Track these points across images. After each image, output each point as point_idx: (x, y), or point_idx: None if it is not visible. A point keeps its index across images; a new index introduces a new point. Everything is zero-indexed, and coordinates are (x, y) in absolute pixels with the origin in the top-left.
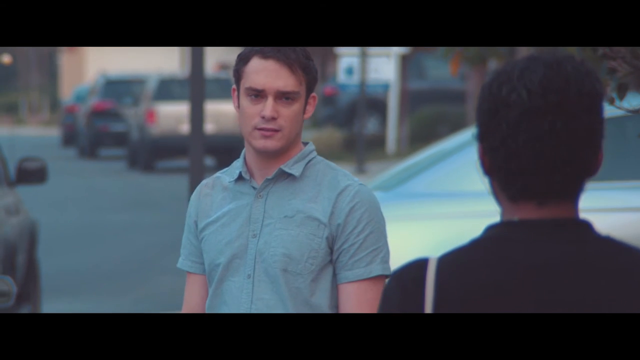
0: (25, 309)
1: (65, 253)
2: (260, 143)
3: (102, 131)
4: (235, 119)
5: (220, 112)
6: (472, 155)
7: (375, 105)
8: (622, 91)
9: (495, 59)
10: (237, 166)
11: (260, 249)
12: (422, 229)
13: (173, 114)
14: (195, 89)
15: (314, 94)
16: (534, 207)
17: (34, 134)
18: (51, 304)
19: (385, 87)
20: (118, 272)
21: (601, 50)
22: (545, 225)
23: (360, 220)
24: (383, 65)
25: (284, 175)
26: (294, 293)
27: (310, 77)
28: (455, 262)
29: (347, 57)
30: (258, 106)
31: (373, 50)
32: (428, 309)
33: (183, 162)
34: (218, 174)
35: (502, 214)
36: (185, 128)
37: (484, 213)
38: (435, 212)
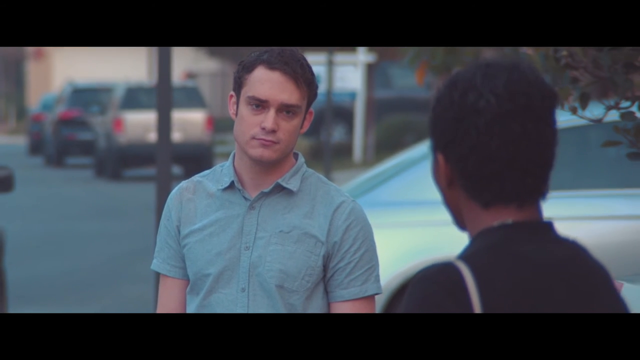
0: None
1: (32, 261)
2: (258, 152)
3: (69, 140)
4: (201, 128)
5: (188, 121)
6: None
7: (342, 113)
8: (584, 100)
9: (459, 67)
10: (223, 173)
11: (254, 263)
12: (389, 237)
13: (140, 123)
14: (162, 97)
15: (311, 109)
16: (514, 210)
17: (1, 143)
18: (18, 312)
19: (352, 95)
20: (86, 280)
21: (564, 60)
22: (540, 227)
23: (356, 238)
24: (349, 73)
25: (279, 189)
26: (289, 309)
27: (312, 93)
28: (486, 266)
29: (314, 65)
30: (259, 117)
31: (339, 58)
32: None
33: (150, 170)
34: (198, 177)
35: (471, 222)
36: (152, 136)
37: (449, 221)
38: (401, 220)
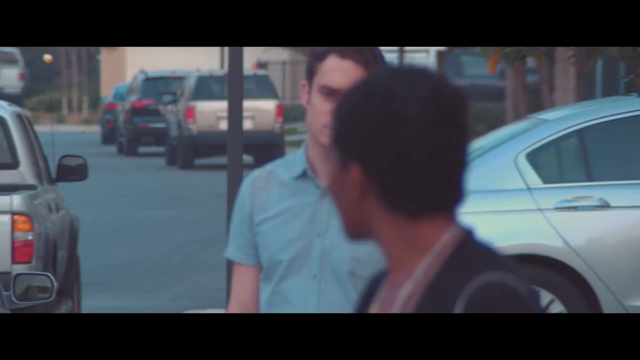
0: (65, 305)
1: (105, 249)
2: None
3: (141, 129)
4: (272, 116)
5: (258, 110)
6: (511, 153)
7: None
8: None
9: (533, 57)
10: (296, 161)
11: (326, 249)
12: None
13: (212, 112)
14: (234, 86)
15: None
16: (444, 219)
17: (75, 132)
18: (91, 300)
19: None
20: (157, 268)
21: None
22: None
23: None
24: (421, 62)
25: None
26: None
27: None
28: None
29: (385, 54)
30: (330, 105)
31: (411, 47)
32: None
33: (221, 159)
34: (271, 166)
35: (390, 234)
36: (223, 125)
37: (522, 210)
38: (475, 209)
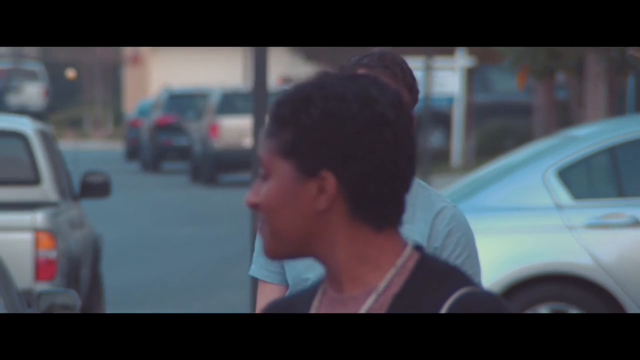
0: None
1: (129, 266)
2: None
3: (165, 145)
4: None
5: None
6: (539, 170)
7: (440, 118)
8: None
9: (563, 72)
10: None
11: None
12: (491, 243)
13: (236, 128)
14: (258, 102)
15: (413, 114)
16: (398, 232)
17: (98, 148)
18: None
19: (450, 100)
20: (181, 285)
21: None
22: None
23: (457, 244)
24: (448, 78)
25: None
26: None
27: (413, 97)
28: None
29: (412, 70)
30: None
31: (438, 63)
32: None
33: (245, 175)
34: None
35: (349, 248)
36: (247, 142)
37: (551, 227)
38: (503, 226)
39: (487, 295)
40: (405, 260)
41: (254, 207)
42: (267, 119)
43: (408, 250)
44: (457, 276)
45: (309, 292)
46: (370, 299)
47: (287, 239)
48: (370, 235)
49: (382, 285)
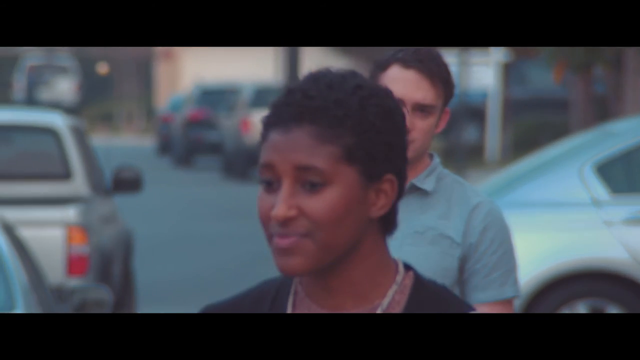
0: None
1: (161, 262)
2: None
3: (197, 140)
4: None
5: None
6: (576, 165)
7: (475, 113)
8: None
9: (600, 66)
10: None
11: None
12: (527, 238)
13: None
14: None
15: (447, 108)
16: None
17: (130, 143)
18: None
19: (484, 95)
20: (213, 281)
21: None
22: None
23: (493, 240)
24: (482, 73)
25: (413, 189)
26: None
27: (448, 92)
28: None
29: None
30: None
31: (473, 58)
32: None
33: None
34: None
35: (368, 256)
36: None
37: (588, 223)
38: (540, 222)
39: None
40: (403, 277)
41: (286, 220)
42: (299, 121)
43: (401, 265)
44: (454, 297)
45: (250, 301)
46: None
47: (334, 253)
48: (383, 246)
49: (385, 303)
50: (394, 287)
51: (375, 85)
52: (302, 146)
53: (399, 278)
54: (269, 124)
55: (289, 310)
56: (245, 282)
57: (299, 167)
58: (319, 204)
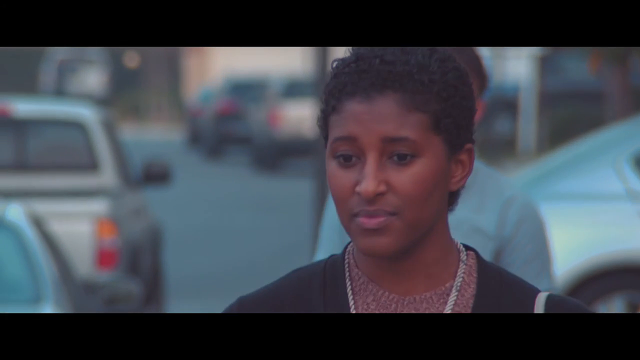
0: (149, 311)
1: (190, 255)
2: None
3: (227, 133)
4: None
5: None
6: (611, 157)
7: (508, 105)
8: None
9: (637, 57)
10: None
11: None
12: (563, 231)
13: (298, 116)
14: (321, 90)
15: (483, 100)
16: None
17: (159, 136)
18: (176, 306)
19: (516, 88)
20: (243, 274)
21: None
22: None
23: (527, 233)
24: (517, 66)
25: None
26: None
27: (483, 83)
28: None
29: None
30: None
31: (507, 51)
32: None
33: (307, 164)
34: None
35: (441, 235)
36: (308, 129)
37: (624, 215)
38: (575, 214)
39: (569, 298)
40: (467, 255)
41: (376, 196)
42: (381, 88)
43: (460, 244)
44: (515, 277)
45: (288, 290)
46: (451, 298)
47: (420, 232)
48: (448, 223)
49: (457, 284)
50: (462, 267)
51: (443, 48)
52: (389, 116)
53: (463, 257)
54: (342, 93)
55: (351, 297)
56: (275, 275)
57: (387, 139)
58: (409, 177)
